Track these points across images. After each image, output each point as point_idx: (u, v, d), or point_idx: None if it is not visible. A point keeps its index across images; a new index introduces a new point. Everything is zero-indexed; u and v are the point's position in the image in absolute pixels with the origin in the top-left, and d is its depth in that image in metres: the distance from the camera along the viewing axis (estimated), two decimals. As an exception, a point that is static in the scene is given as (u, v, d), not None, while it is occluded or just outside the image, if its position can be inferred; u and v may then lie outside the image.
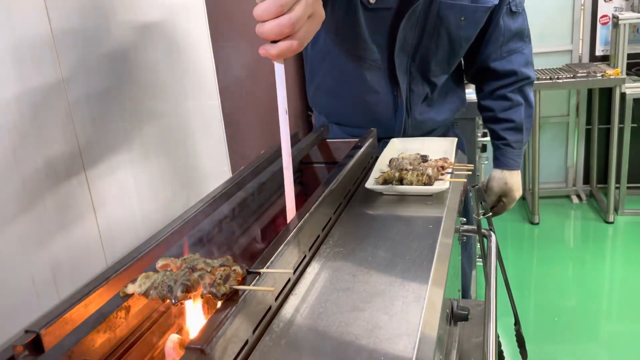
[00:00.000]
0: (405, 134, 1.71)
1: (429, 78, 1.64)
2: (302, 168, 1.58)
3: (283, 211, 1.47)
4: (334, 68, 1.69)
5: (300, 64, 3.07)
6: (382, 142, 1.66)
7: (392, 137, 1.63)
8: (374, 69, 1.62)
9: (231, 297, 0.75)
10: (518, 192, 1.78)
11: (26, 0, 0.89)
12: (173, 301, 0.75)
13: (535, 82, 2.20)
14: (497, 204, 1.81)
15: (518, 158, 1.76)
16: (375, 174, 1.32)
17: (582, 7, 4.23)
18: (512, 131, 1.74)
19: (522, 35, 1.69)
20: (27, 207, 0.88)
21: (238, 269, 0.77)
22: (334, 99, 1.77)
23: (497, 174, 1.77)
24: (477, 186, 1.44)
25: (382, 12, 1.52)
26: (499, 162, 1.78)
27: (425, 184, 1.23)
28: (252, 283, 0.78)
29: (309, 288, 0.92)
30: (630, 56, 4.05)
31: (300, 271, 0.96)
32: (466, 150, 1.80)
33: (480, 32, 1.64)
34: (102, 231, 1.04)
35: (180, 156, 1.32)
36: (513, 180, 1.75)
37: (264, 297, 0.82)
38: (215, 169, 1.50)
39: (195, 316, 0.86)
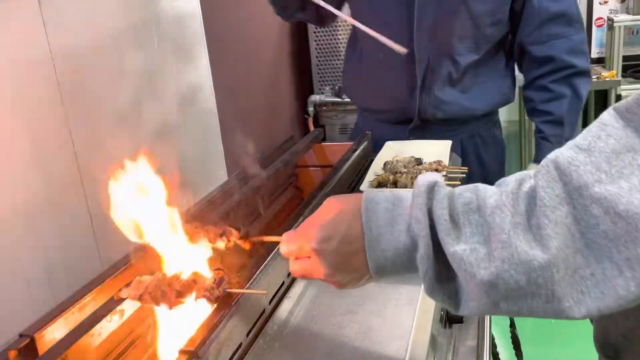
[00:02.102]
0: (424, 114, 1.58)
1: (452, 56, 1.54)
2: (297, 171, 1.58)
3: (280, 213, 1.47)
4: (358, 51, 1.68)
5: (299, 68, 3.08)
6: (402, 126, 1.62)
7: (411, 119, 1.59)
8: (391, 50, 1.50)
9: (225, 300, 0.75)
10: None
11: (24, 18, 0.89)
12: (167, 305, 0.75)
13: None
14: None
15: None
16: (369, 177, 1.33)
17: (578, 10, 4.26)
18: (549, 124, 1.59)
19: (569, 20, 1.55)
20: (23, 212, 0.88)
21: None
22: (359, 81, 1.72)
23: (531, 167, 1.63)
24: None
25: None
26: (536, 156, 1.65)
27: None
28: (246, 286, 0.78)
29: (302, 291, 0.92)
30: (625, 58, 4.05)
31: (294, 274, 0.96)
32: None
33: (513, 10, 1.53)
34: (97, 235, 1.04)
35: (176, 160, 1.32)
36: None
37: (258, 300, 0.82)
38: (211, 172, 1.50)
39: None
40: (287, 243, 0.71)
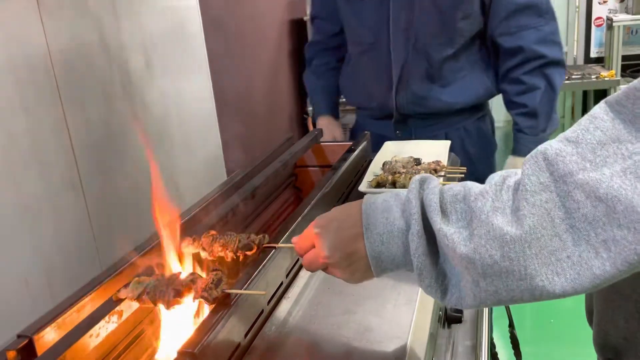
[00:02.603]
0: (402, 109, 1.66)
1: (427, 51, 1.61)
2: (296, 171, 1.58)
3: (279, 213, 1.47)
4: (348, 56, 1.81)
5: (298, 68, 3.08)
6: (382, 121, 1.73)
7: (391, 114, 1.70)
8: (371, 51, 1.68)
9: (223, 301, 0.76)
10: None
11: (23, 16, 0.89)
12: (165, 305, 0.75)
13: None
14: None
15: (532, 145, 1.54)
16: (368, 177, 1.33)
17: (577, 9, 4.25)
18: (524, 116, 1.63)
19: (538, 11, 1.57)
20: (22, 212, 0.88)
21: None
22: (349, 82, 1.83)
23: (509, 160, 1.71)
24: None
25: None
26: (513, 148, 1.70)
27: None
28: (244, 287, 0.78)
29: (301, 291, 0.92)
30: (624, 58, 4.06)
31: (292, 275, 0.96)
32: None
33: (483, 3, 1.57)
34: (96, 236, 1.04)
35: (174, 160, 1.32)
36: None
37: (256, 300, 0.83)
38: (210, 172, 1.51)
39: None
40: (297, 241, 0.74)
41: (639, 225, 0.50)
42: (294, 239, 0.76)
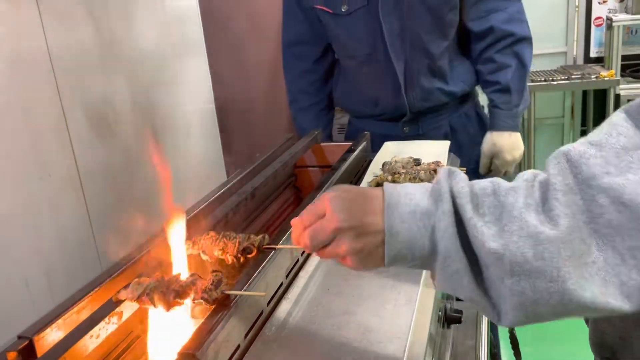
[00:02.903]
0: (414, 108, 1.70)
1: (425, 48, 1.66)
2: (296, 172, 1.58)
3: (278, 214, 1.47)
4: (342, 71, 1.82)
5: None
6: (387, 122, 1.74)
7: (404, 114, 1.72)
8: (369, 61, 1.69)
9: (223, 302, 0.76)
10: (509, 154, 1.74)
11: (22, 15, 0.89)
12: (165, 307, 0.76)
13: (530, 83, 2.14)
14: (490, 168, 1.80)
15: (508, 119, 1.72)
16: (368, 177, 1.33)
17: (576, 9, 4.25)
18: (498, 92, 1.71)
19: None
20: (22, 211, 0.88)
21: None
22: (348, 95, 1.83)
23: (487, 136, 1.77)
24: None
25: (358, 13, 1.62)
26: (490, 124, 1.77)
27: (418, 187, 1.23)
28: (244, 288, 0.79)
29: (301, 292, 0.92)
30: (624, 58, 4.06)
31: (292, 275, 0.96)
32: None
33: None
34: (96, 236, 1.04)
35: (174, 160, 1.32)
36: (503, 141, 1.73)
37: (256, 301, 0.83)
38: (210, 172, 1.51)
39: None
40: (298, 218, 0.69)
41: None
42: (293, 220, 0.70)
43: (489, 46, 1.71)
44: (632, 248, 0.51)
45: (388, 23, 1.61)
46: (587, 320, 0.83)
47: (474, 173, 1.81)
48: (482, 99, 1.89)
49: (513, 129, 1.75)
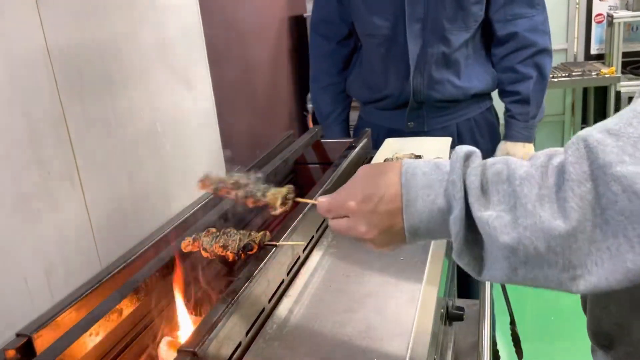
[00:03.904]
0: (419, 96, 1.70)
1: (443, 35, 1.66)
2: (296, 169, 1.57)
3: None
4: (360, 57, 1.83)
5: (298, 65, 3.07)
6: (401, 110, 1.74)
7: (406, 103, 1.72)
8: (388, 41, 1.69)
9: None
10: None
11: (21, 14, 0.89)
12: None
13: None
14: None
15: (524, 130, 1.74)
16: (369, 174, 1.32)
17: (577, 6, 4.24)
18: (517, 104, 1.73)
19: (531, 2, 1.68)
20: (21, 209, 0.88)
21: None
22: (360, 79, 1.83)
23: (501, 145, 1.78)
24: None
25: None
26: (505, 134, 1.78)
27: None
28: (244, 286, 0.78)
29: (302, 289, 0.92)
30: (625, 55, 4.05)
31: (294, 273, 0.96)
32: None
33: None
34: (95, 233, 1.03)
35: (174, 158, 1.31)
36: (515, 151, 1.74)
37: (258, 298, 0.82)
38: (209, 169, 1.50)
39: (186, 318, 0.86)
40: (328, 203, 0.73)
41: None
42: (322, 199, 0.74)
43: (511, 54, 1.71)
44: None
45: (411, 5, 1.62)
46: (584, 309, 0.83)
47: None
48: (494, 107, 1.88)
49: (527, 139, 1.75)
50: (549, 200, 0.57)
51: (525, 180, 0.59)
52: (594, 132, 0.56)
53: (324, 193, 1.14)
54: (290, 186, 0.87)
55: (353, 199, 0.70)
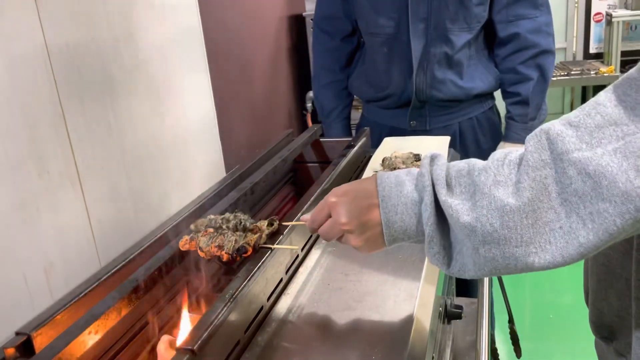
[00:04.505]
0: (421, 95, 1.70)
1: (446, 36, 1.66)
2: (295, 167, 1.58)
3: (277, 210, 1.47)
4: (362, 55, 1.84)
5: (297, 64, 3.07)
6: (396, 111, 1.75)
7: (408, 102, 1.72)
8: (391, 40, 1.70)
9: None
10: None
11: (20, 13, 0.89)
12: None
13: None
14: None
15: (522, 132, 1.74)
16: (367, 173, 1.32)
17: (576, 5, 4.24)
18: (516, 105, 1.73)
19: (534, 3, 1.68)
20: (20, 208, 0.88)
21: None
22: (363, 78, 1.83)
23: (500, 146, 1.79)
24: None
25: None
26: (504, 134, 1.79)
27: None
28: (243, 285, 0.78)
29: (301, 288, 0.92)
30: (624, 54, 4.06)
31: (292, 271, 0.96)
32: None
33: None
34: (95, 232, 1.04)
35: (173, 156, 1.31)
36: None
37: (256, 297, 0.82)
38: (209, 168, 1.50)
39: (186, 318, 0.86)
40: (311, 214, 0.80)
41: (619, 199, 0.55)
42: (304, 217, 0.81)
43: (513, 54, 1.71)
44: (591, 213, 0.57)
45: (415, 4, 1.63)
46: (587, 300, 0.84)
47: None
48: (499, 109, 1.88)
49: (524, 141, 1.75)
50: (503, 185, 0.63)
51: (483, 171, 0.65)
52: (557, 124, 0.61)
53: (323, 192, 1.14)
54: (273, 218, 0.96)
55: (333, 196, 0.76)
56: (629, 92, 0.59)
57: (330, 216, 0.76)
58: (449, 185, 0.67)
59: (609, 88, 0.61)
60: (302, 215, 0.82)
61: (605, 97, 0.60)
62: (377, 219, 0.72)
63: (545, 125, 0.62)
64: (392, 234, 0.72)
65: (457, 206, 0.65)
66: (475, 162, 0.68)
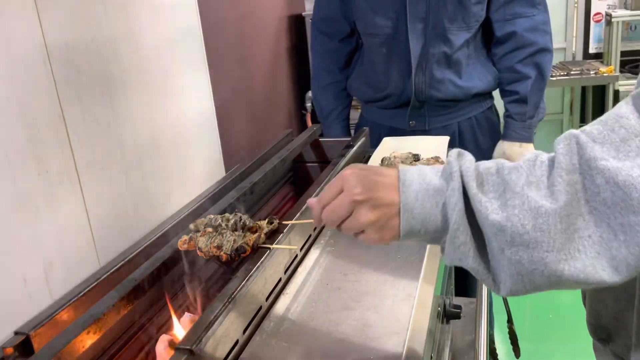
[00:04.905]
0: (421, 95, 1.70)
1: (445, 35, 1.66)
2: (294, 167, 1.58)
3: (277, 209, 1.47)
4: (361, 56, 1.84)
5: (296, 64, 3.07)
6: (402, 109, 1.74)
7: (407, 102, 1.72)
8: (390, 40, 1.70)
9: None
10: None
11: (19, 11, 0.89)
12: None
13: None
14: None
15: (521, 130, 1.74)
16: (367, 173, 1.32)
17: (576, 5, 4.24)
18: (515, 103, 1.73)
19: (532, 1, 1.68)
20: (19, 207, 0.88)
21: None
22: (362, 78, 1.83)
23: (499, 145, 1.79)
24: None
25: None
26: (503, 134, 1.79)
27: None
28: (242, 284, 0.78)
29: (300, 287, 0.92)
30: (623, 54, 4.05)
31: (291, 271, 0.96)
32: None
33: None
34: (94, 232, 1.04)
35: (173, 156, 1.32)
36: (512, 151, 1.75)
37: (255, 296, 0.82)
38: (208, 168, 1.50)
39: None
40: (317, 198, 0.72)
41: None
42: (310, 200, 0.73)
43: (510, 53, 1.71)
44: (622, 225, 0.55)
45: (413, 4, 1.63)
46: (584, 302, 0.84)
47: None
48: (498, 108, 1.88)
49: (525, 139, 1.75)
50: (536, 186, 0.60)
51: (514, 170, 0.62)
52: (582, 135, 0.60)
53: (322, 191, 1.14)
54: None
55: (349, 169, 0.69)
56: None
57: (341, 192, 0.68)
58: (477, 181, 0.63)
59: (628, 100, 0.60)
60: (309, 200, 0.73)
61: (626, 109, 0.60)
62: (394, 198, 0.66)
63: (574, 131, 0.61)
64: (410, 222, 0.65)
65: (486, 203, 0.61)
66: (504, 161, 0.65)
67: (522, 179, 0.61)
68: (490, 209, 0.61)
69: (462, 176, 0.64)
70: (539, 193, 0.59)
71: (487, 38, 1.77)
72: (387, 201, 0.66)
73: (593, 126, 0.60)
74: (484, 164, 0.66)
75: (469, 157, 0.67)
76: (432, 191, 0.65)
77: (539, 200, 0.59)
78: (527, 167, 0.62)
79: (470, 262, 0.64)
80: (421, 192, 0.65)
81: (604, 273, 0.57)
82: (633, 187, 0.54)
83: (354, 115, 2.03)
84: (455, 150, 0.68)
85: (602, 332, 0.81)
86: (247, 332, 0.79)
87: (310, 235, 1.06)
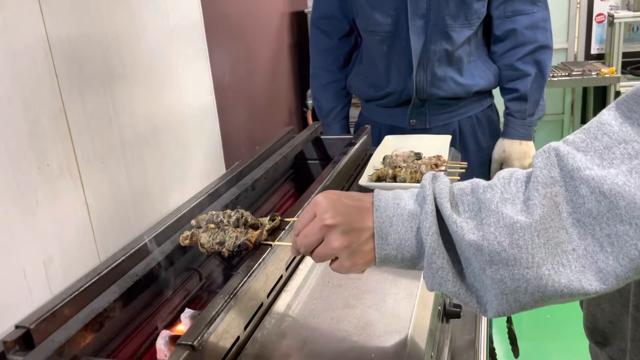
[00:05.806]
0: (422, 93, 1.69)
1: (447, 32, 1.65)
2: (296, 165, 1.57)
3: (277, 207, 1.47)
4: (360, 54, 1.83)
5: (298, 61, 3.07)
6: (403, 108, 1.73)
7: (408, 101, 1.71)
8: (390, 38, 1.69)
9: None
10: (518, 162, 1.76)
11: (22, 6, 0.88)
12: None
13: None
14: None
15: (521, 128, 1.74)
16: (368, 171, 1.32)
17: (578, 6, 4.24)
18: (515, 101, 1.73)
19: None
20: (19, 201, 0.88)
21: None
22: (361, 76, 1.83)
23: (499, 142, 1.79)
24: None
25: None
26: (503, 131, 1.79)
27: (418, 182, 1.23)
28: (243, 281, 0.78)
29: (301, 284, 0.92)
30: (625, 55, 4.05)
31: (293, 268, 0.96)
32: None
33: None
34: (94, 226, 1.03)
35: (174, 152, 1.31)
36: (512, 149, 1.74)
37: (256, 293, 0.82)
38: (209, 165, 1.50)
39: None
40: (297, 221, 0.71)
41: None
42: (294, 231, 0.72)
43: (510, 50, 1.70)
44: (609, 235, 0.53)
45: (413, 1, 1.62)
46: (581, 305, 0.84)
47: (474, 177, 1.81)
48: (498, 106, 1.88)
49: (525, 137, 1.75)
50: (512, 202, 0.58)
51: (489, 188, 0.61)
52: (563, 145, 0.58)
53: (324, 190, 1.14)
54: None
55: (321, 195, 0.69)
56: (635, 108, 0.56)
57: (314, 218, 0.68)
58: (452, 203, 0.62)
59: (611, 106, 0.59)
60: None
61: (609, 116, 0.58)
62: (368, 222, 0.65)
63: (554, 143, 0.59)
64: (385, 248, 0.64)
65: (461, 223, 0.60)
66: (479, 181, 0.63)
67: (496, 196, 0.59)
68: (466, 229, 0.59)
69: (435, 198, 0.62)
70: (514, 209, 0.58)
71: (488, 35, 1.76)
72: (359, 226, 0.65)
73: (576, 135, 0.59)
74: (459, 184, 0.64)
75: (444, 179, 0.65)
76: (406, 216, 0.64)
77: (514, 217, 0.57)
78: (501, 184, 0.61)
79: (450, 287, 0.62)
80: (395, 217, 0.64)
81: (590, 287, 0.55)
82: (619, 195, 0.52)
83: (354, 113, 2.03)
84: (429, 174, 0.67)
85: (598, 335, 0.81)
86: (249, 329, 0.79)
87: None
